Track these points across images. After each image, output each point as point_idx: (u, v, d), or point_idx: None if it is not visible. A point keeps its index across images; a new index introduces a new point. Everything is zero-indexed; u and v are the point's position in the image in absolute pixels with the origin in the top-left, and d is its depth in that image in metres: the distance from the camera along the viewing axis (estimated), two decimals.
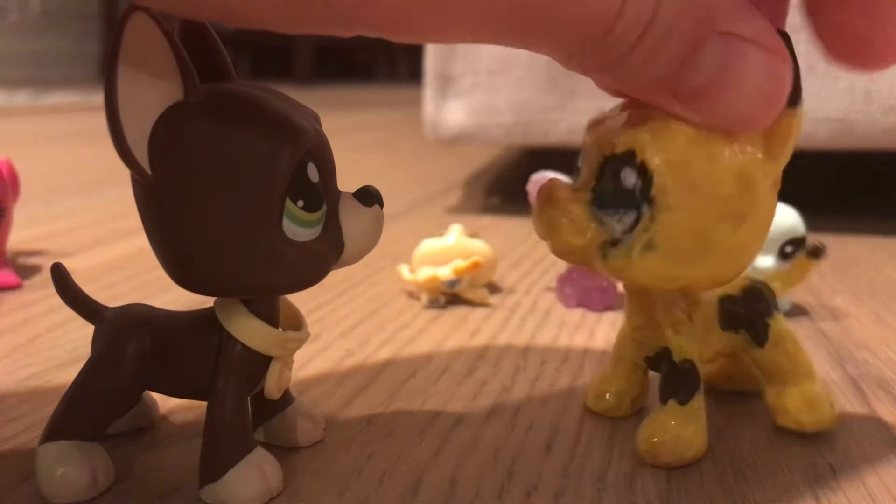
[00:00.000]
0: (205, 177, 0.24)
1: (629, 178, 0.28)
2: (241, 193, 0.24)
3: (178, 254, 0.26)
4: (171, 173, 0.24)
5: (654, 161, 0.27)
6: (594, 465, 0.30)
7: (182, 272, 0.26)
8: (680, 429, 0.30)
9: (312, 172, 0.26)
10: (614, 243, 0.28)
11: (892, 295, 0.53)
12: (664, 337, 0.31)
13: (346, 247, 0.27)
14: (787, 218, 0.46)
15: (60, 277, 0.30)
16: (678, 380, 0.31)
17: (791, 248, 0.46)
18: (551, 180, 0.30)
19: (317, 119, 0.28)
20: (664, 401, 0.31)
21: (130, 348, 0.28)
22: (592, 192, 0.29)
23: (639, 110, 0.29)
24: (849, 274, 0.58)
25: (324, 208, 0.27)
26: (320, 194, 0.26)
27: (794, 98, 0.27)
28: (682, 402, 0.31)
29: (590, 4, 0.22)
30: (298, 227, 0.26)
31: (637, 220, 0.28)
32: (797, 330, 0.33)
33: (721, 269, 0.28)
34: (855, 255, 0.64)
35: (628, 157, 0.28)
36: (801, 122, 0.27)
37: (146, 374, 0.28)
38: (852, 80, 0.65)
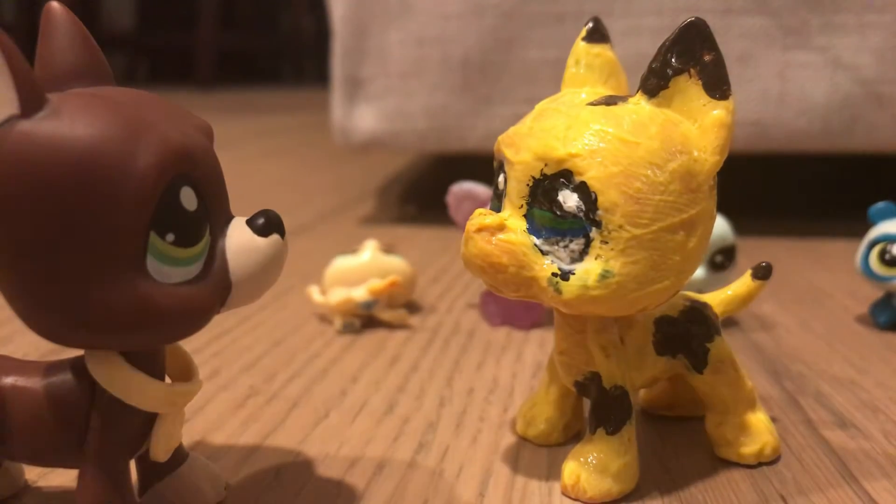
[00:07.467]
0: (45, 206, 0.20)
1: (569, 200, 0.25)
2: (88, 226, 0.20)
3: (22, 296, 0.21)
4: (6, 200, 0.20)
5: (594, 178, 0.25)
6: None
7: (31, 317, 0.21)
8: (608, 461, 0.28)
9: (188, 198, 0.21)
10: (565, 275, 0.25)
11: (814, 300, 0.52)
12: (594, 361, 0.29)
13: (233, 287, 0.23)
14: (716, 227, 0.45)
15: None
16: (608, 407, 0.28)
17: (721, 258, 0.44)
18: (477, 211, 0.27)
19: (205, 132, 0.23)
20: (593, 430, 0.29)
21: None
22: (527, 219, 0.26)
23: (561, 119, 0.26)
24: (771, 279, 0.57)
25: (204, 241, 0.22)
26: (198, 225, 0.22)
27: (726, 90, 0.26)
28: (612, 432, 0.28)
29: None
30: (168, 267, 0.21)
31: (587, 246, 0.25)
32: (730, 342, 0.31)
33: (678, 281, 0.26)
34: (774, 259, 0.62)
35: (564, 177, 0.25)
36: (734, 114, 0.26)
37: None
38: (765, 83, 0.65)
